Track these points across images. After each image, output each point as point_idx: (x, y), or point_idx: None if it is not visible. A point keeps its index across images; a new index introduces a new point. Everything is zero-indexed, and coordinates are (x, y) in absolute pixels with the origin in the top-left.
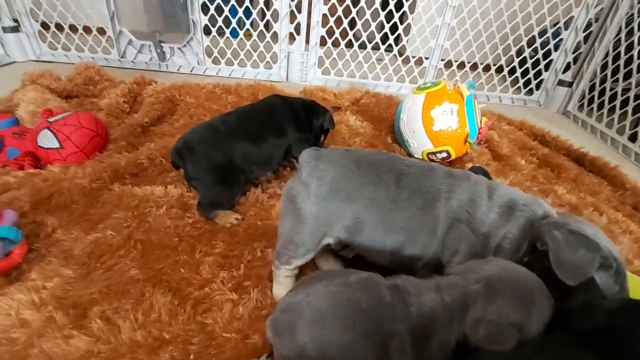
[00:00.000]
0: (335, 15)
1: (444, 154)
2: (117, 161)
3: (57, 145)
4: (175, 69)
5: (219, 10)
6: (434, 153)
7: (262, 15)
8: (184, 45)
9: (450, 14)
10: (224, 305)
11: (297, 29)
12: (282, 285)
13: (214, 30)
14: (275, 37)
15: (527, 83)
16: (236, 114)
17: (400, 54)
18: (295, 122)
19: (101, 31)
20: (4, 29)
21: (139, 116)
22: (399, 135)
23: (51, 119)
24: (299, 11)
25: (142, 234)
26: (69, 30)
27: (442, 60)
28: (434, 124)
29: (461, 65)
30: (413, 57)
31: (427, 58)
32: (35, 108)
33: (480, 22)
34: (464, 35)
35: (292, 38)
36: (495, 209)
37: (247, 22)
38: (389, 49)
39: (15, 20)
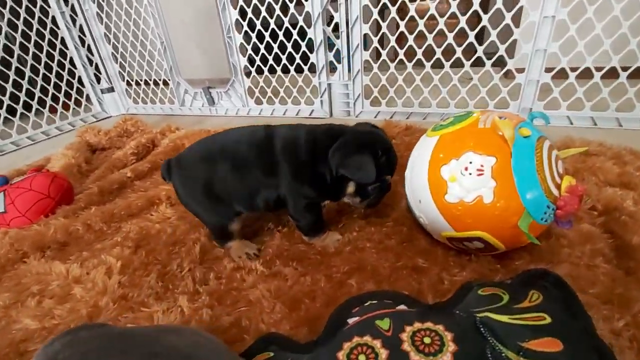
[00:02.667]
0: (380, 33)
1: (478, 243)
2: (45, 230)
3: (2, 209)
4: (223, 112)
5: (256, 49)
6: (459, 240)
7: (297, 46)
8: (228, 89)
9: (554, 4)
10: None
11: (337, 57)
12: None
13: (252, 70)
14: (314, 69)
15: None
16: (231, 132)
17: (477, 69)
18: (294, 161)
19: (166, 83)
20: (102, 91)
21: (125, 171)
22: (408, 203)
23: (14, 180)
24: (337, 36)
25: None
26: (144, 86)
27: (548, 70)
28: (447, 191)
29: (586, 75)
30: (498, 70)
31: (520, 71)
32: (54, 164)
33: (616, 5)
34: (584, 30)
35: (332, 68)
36: None
37: (284, 57)
38: (458, 63)
39: (109, 81)
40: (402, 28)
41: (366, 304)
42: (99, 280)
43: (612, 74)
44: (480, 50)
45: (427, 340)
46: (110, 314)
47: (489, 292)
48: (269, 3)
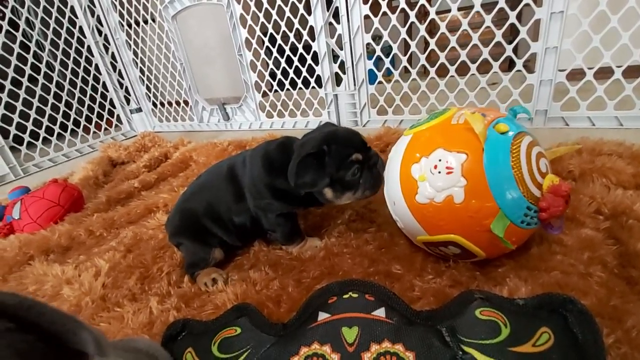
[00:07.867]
0: (382, 41)
1: (454, 249)
2: (50, 235)
3: (17, 216)
4: (237, 126)
5: (265, 65)
6: (435, 244)
7: (304, 60)
8: (241, 105)
9: None
10: None
11: (342, 67)
12: None
13: (262, 85)
14: (320, 81)
15: None
16: (206, 172)
17: (485, 71)
18: (253, 177)
19: (186, 103)
20: (131, 111)
21: (134, 181)
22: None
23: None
24: (340, 47)
25: None
26: (167, 105)
27: (562, 70)
28: (417, 191)
29: (603, 73)
30: (510, 72)
31: (530, 71)
32: (75, 176)
33: None
34: (599, 23)
35: (339, 79)
36: None
37: (291, 70)
38: (463, 70)
39: (138, 102)
40: (403, 34)
41: (345, 296)
42: (85, 282)
43: (635, 69)
44: (485, 51)
45: None
46: (88, 313)
47: (488, 317)
48: (275, 20)
